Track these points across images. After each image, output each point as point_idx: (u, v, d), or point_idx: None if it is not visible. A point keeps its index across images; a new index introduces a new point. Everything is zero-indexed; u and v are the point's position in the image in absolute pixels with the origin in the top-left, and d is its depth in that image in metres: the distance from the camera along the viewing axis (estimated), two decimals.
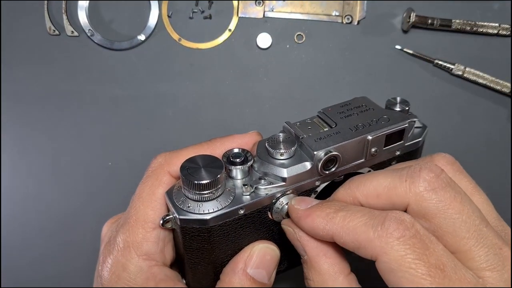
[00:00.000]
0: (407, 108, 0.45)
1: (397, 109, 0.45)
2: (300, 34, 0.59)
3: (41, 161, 0.60)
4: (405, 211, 0.34)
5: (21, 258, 0.60)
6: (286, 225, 0.39)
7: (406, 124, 0.43)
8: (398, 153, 0.45)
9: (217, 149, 0.42)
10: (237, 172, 0.40)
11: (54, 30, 0.58)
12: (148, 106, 0.60)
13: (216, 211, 0.38)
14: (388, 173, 0.36)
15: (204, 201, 0.38)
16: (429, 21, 0.57)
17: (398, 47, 0.59)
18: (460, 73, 0.59)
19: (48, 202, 0.60)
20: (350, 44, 0.60)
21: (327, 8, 0.58)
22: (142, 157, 0.59)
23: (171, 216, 0.39)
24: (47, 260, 0.59)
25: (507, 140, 0.63)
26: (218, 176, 0.37)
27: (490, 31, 0.59)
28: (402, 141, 0.44)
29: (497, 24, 0.59)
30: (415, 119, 0.46)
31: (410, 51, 0.59)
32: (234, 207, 0.38)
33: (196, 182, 0.36)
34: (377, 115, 0.43)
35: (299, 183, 0.40)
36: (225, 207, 0.38)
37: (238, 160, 0.39)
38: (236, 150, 0.40)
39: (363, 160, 0.43)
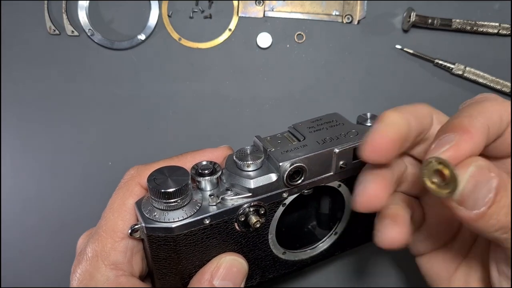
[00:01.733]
0: None
1: (368, 124, 0.46)
2: (300, 34, 0.59)
3: (41, 161, 0.60)
4: None
5: (21, 258, 0.60)
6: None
7: None
8: None
9: (188, 163, 0.42)
10: (205, 184, 0.40)
11: (54, 30, 0.58)
12: (148, 105, 0.60)
13: (181, 220, 0.38)
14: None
15: (170, 210, 0.38)
16: (429, 20, 0.57)
17: (398, 46, 0.59)
18: (460, 72, 0.59)
19: (48, 202, 0.60)
20: (350, 44, 0.60)
21: (327, 7, 0.58)
22: (142, 156, 0.59)
23: (139, 226, 0.39)
24: (47, 260, 0.59)
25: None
26: (183, 185, 0.37)
27: (491, 30, 0.59)
28: None
29: (497, 24, 0.59)
30: None
31: (411, 51, 0.59)
32: (199, 217, 0.39)
33: (161, 190, 0.37)
34: (346, 130, 0.44)
35: (265, 194, 0.41)
36: (190, 216, 0.38)
37: (206, 171, 0.40)
38: (204, 163, 0.41)
39: (332, 173, 0.43)
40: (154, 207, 0.39)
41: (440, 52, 0.60)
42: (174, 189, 0.37)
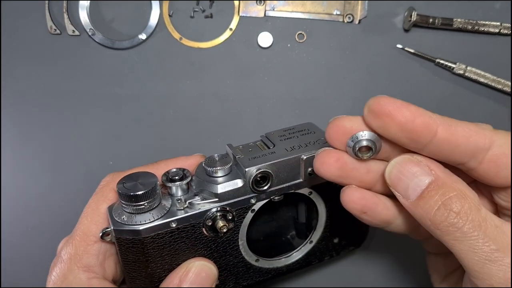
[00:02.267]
0: None
1: None
2: (301, 33, 0.59)
3: (42, 161, 0.60)
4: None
5: (21, 258, 0.60)
6: None
7: None
8: None
9: (161, 169, 0.43)
10: (175, 189, 0.41)
11: (55, 29, 0.58)
12: (149, 105, 0.60)
13: (147, 223, 0.39)
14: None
15: (138, 213, 0.39)
16: (430, 20, 0.57)
17: (399, 46, 0.59)
18: (461, 72, 0.59)
19: (48, 202, 0.60)
20: (351, 43, 0.60)
21: (328, 7, 0.58)
22: (143, 156, 0.59)
23: (109, 229, 0.40)
24: (47, 260, 0.58)
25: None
26: (150, 188, 0.39)
27: (492, 30, 0.59)
28: None
29: (498, 23, 0.59)
30: None
31: (412, 50, 0.59)
32: (166, 220, 0.40)
33: (129, 194, 0.38)
34: (316, 138, 0.45)
35: (232, 199, 0.42)
36: (157, 219, 0.40)
37: (176, 177, 0.41)
38: (174, 170, 0.42)
39: (300, 180, 0.44)
40: (124, 210, 0.40)
41: (441, 52, 0.60)
42: (141, 192, 0.38)
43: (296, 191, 0.45)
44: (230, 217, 0.42)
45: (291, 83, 0.60)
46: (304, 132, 0.46)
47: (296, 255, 0.50)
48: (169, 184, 0.41)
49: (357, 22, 0.58)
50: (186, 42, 0.59)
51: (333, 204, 0.48)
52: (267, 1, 0.58)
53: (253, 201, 0.43)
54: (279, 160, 0.42)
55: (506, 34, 0.59)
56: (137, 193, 0.38)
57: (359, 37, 0.59)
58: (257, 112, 0.60)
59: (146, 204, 0.39)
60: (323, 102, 0.61)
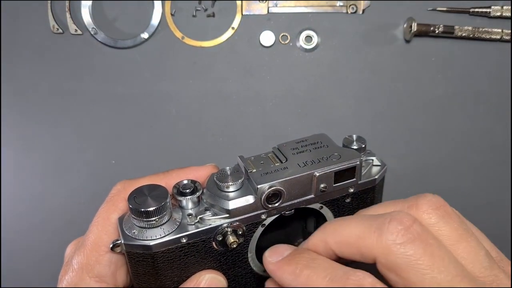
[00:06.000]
0: (363, 146, 0.46)
1: (354, 147, 0.46)
2: (303, 30, 0.59)
3: (44, 160, 0.59)
4: (375, 263, 0.34)
5: (21, 258, 0.60)
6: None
7: (357, 162, 0.44)
8: (351, 190, 0.45)
9: (173, 179, 0.43)
10: (186, 203, 0.41)
11: (57, 29, 0.58)
12: (152, 104, 0.59)
13: (158, 238, 0.39)
14: (360, 221, 0.35)
15: (148, 228, 0.39)
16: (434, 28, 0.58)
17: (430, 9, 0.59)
18: (498, 14, 0.58)
19: (50, 201, 0.59)
20: (354, 41, 0.60)
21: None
22: (145, 155, 0.59)
23: (120, 241, 0.40)
24: (47, 260, 0.58)
25: (508, 140, 0.63)
26: (162, 204, 0.39)
27: (493, 36, 0.59)
28: (354, 179, 0.45)
29: (500, 30, 0.59)
30: (372, 158, 0.47)
31: (444, 8, 0.59)
32: (177, 235, 0.40)
33: (140, 209, 0.38)
34: (329, 153, 0.44)
35: (243, 215, 0.42)
36: (168, 234, 0.40)
37: (187, 191, 0.41)
38: (185, 182, 0.42)
39: (312, 196, 0.44)
40: (134, 224, 0.40)
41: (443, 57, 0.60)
42: (153, 208, 0.38)
43: (307, 206, 0.44)
44: (240, 232, 0.42)
45: (294, 81, 0.60)
46: (317, 146, 0.46)
47: None
48: (180, 198, 0.41)
49: (360, 12, 0.58)
50: (188, 41, 0.59)
51: (343, 216, 0.48)
52: None
53: (263, 216, 0.43)
54: (292, 177, 0.42)
55: (507, 41, 0.59)
56: (148, 209, 0.38)
57: (363, 33, 0.59)
58: (259, 111, 0.60)
59: (157, 219, 0.39)
60: (325, 101, 0.60)
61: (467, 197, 0.63)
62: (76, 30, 0.58)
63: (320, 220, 0.48)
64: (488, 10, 0.58)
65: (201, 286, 0.42)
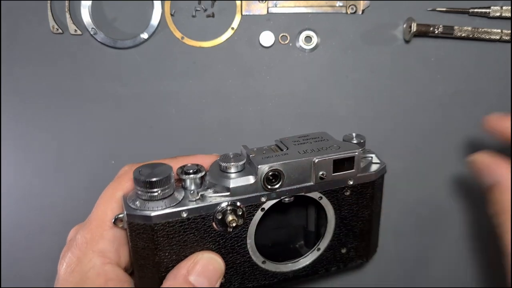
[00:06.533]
0: (362, 141, 0.48)
1: (353, 141, 0.48)
2: (303, 31, 0.59)
3: (44, 160, 0.60)
4: None
5: (21, 258, 0.60)
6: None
7: (356, 152, 0.46)
8: (351, 182, 0.47)
9: (178, 164, 0.44)
10: (189, 182, 0.43)
11: (57, 29, 0.58)
12: (151, 104, 0.59)
13: (159, 209, 0.41)
14: None
15: (151, 200, 0.41)
16: (433, 30, 0.58)
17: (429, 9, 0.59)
18: (498, 14, 0.59)
19: (50, 201, 0.60)
20: (354, 40, 0.60)
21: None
22: (145, 155, 0.59)
23: (123, 215, 0.41)
24: (48, 260, 0.58)
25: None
26: (165, 176, 0.40)
27: (493, 37, 0.59)
28: (353, 170, 0.46)
29: (499, 30, 0.59)
30: (371, 155, 0.50)
31: (443, 8, 0.59)
32: (177, 209, 0.41)
33: (144, 179, 0.40)
34: (329, 144, 0.46)
35: (243, 195, 0.43)
36: (169, 207, 0.41)
37: (190, 171, 0.43)
38: (190, 164, 0.44)
39: (311, 183, 0.45)
40: (138, 197, 0.41)
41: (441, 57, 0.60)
42: (156, 179, 0.40)
43: (306, 194, 0.46)
44: (240, 213, 0.43)
45: (294, 81, 0.60)
46: (318, 139, 0.47)
47: (303, 262, 0.50)
48: (184, 177, 0.43)
49: (360, 12, 0.58)
50: (188, 41, 0.59)
51: (342, 212, 0.49)
52: None
53: (263, 199, 0.44)
54: (291, 160, 0.43)
55: (506, 41, 0.59)
56: (152, 179, 0.40)
57: (362, 33, 0.60)
58: (259, 111, 0.60)
59: (159, 191, 0.40)
60: (325, 101, 0.61)
61: (467, 197, 0.63)
62: (75, 30, 0.58)
63: (321, 215, 0.49)
64: (487, 10, 0.59)
65: (198, 265, 0.42)
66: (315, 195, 0.46)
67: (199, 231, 0.43)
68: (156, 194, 0.40)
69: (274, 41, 0.59)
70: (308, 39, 0.59)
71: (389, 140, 0.61)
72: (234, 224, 0.42)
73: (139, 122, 0.60)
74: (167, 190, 0.41)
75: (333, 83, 0.60)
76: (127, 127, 0.60)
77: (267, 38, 0.59)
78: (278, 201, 0.45)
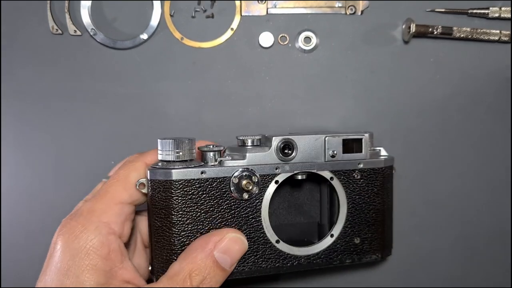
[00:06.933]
0: (370, 133, 0.52)
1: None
2: (302, 31, 0.59)
3: (43, 160, 0.60)
4: None
5: (21, 258, 0.60)
6: None
7: (363, 135, 0.50)
8: (360, 166, 0.50)
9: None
10: (210, 156, 0.46)
11: (57, 29, 0.58)
12: (151, 104, 0.60)
13: (180, 168, 0.44)
14: None
15: (173, 161, 0.45)
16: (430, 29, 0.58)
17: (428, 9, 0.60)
18: (497, 15, 0.59)
19: (49, 201, 0.60)
20: (353, 41, 0.60)
21: (330, 0, 0.58)
22: None
23: (145, 179, 0.45)
24: None
25: (507, 140, 0.63)
26: (188, 139, 0.45)
27: (492, 38, 0.59)
28: (362, 153, 0.50)
29: (498, 31, 0.59)
30: (380, 148, 0.53)
31: (442, 9, 0.59)
32: (196, 169, 0.45)
33: (168, 140, 0.44)
34: (338, 133, 0.50)
35: (258, 163, 0.47)
36: (189, 167, 0.45)
37: (211, 146, 0.47)
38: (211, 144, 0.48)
39: (322, 161, 0.49)
40: (161, 160, 0.45)
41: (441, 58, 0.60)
42: (180, 139, 0.44)
43: (317, 172, 0.49)
44: (255, 180, 0.46)
45: (293, 82, 0.60)
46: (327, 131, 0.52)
47: (316, 247, 0.50)
48: (205, 149, 0.46)
49: (359, 13, 0.59)
50: (188, 42, 0.59)
51: (353, 196, 0.51)
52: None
53: (277, 170, 0.47)
54: (303, 135, 0.48)
55: (505, 42, 0.60)
56: (176, 139, 0.44)
57: (361, 34, 0.60)
58: (258, 111, 0.60)
59: (181, 153, 0.44)
60: (325, 101, 0.61)
61: (467, 197, 0.63)
62: (75, 31, 0.58)
63: (334, 203, 0.52)
64: (486, 11, 0.59)
65: (225, 242, 0.44)
66: (326, 174, 0.49)
67: (215, 195, 0.45)
68: (179, 154, 0.44)
69: (274, 41, 0.59)
70: (307, 39, 0.59)
71: (388, 140, 0.61)
72: (249, 187, 0.46)
73: (138, 123, 0.60)
74: (188, 153, 0.45)
75: (332, 83, 0.60)
76: (127, 128, 0.60)
77: (266, 38, 0.59)
78: (292, 177, 0.48)
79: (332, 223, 0.52)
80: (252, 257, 0.48)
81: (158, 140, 0.45)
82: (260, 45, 0.59)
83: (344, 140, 0.49)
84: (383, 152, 0.53)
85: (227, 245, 0.44)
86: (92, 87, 0.59)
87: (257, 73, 0.60)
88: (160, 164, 0.45)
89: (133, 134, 0.60)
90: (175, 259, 0.44)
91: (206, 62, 0.60)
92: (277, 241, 0.49)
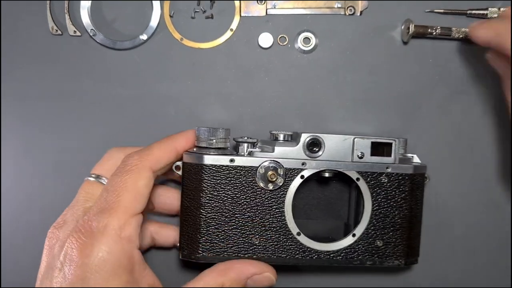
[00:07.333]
0: (404, 139, 0.53)
1: None
2: (302, 32, 0.59)
3: (43, 161, 0.60)
4: None
5: (21, 258, 0.60)
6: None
7: (394, 140, 0.51)
8: (388, 170, 0.51)
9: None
10: (243, 147, 0.50)
11: (56, 30, 0.58)
12: (150, 105, 0.60)
13: (211, 154, 0.49)
14: None
15: (206, 147, 0.49)
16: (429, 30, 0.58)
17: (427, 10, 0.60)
18: (495, 16, 0.59)
19: (49, 202, 0.60)
20: (353, 41, 0.60)
21: (329, 1, 0.59)
22: None
23: (180, 162, 0.50)
24: None
25: (507, 140, 0.63)
26: (223, 129, 0.50)
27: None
28: (390, 157, 0.51)
29: None
30: (413, 155, 0.54)
31: (441, 10, 0.59)
32: (226, 156, 0.49)
33: (202, 128, 0.50)
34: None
35: (285, 157, 0.49)
36: (219, 154, 0.49)
37: (245, 138, 0.50)
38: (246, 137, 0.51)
39: (349, 161, 0.50)
40: (196, 146, 0.50)
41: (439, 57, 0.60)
42: (214, 129, 0.49)
43: (344, 171, 0.50)
44: (280, 172, 0.49)
45: (292, 83, 0.60)
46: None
47: (337, 245, 0.51)
48: (239, 140, 0.50)
49: (358, 13, 0.59)
50: (187, 42, 0.59)
51: (379, 199, 0.51)
52: (267, 0, 0.58)
53: (303, 166, 0.49)
54: (332, 134, 0.50)
55: None
56: (211, 127, 0.50)
57: (361, 34, 0.60)
58: (258, 112, 0.60)
59: (214, 140, 0.49)
60: (324, 101, 0.61)
61: (467, 197, 0.63)
62: (75, 31, 0.58)
63: (360, 203, 0.53)
64: (485, 12, 0.59)
65: (259, 277, 0.49)
66: (353, 174, 0.50)
67: (242, 183, 0.49)
68: (212, 141, 0.49)
69: (273, 42, 0.59)
70: (306, 40, 0.59)
71: None
72: (274, 179, 0.48)
73: (138, 123, 0.60)
74: (222, 142, 0.49)
75: (331, 84, 0.61)
76: (126, 128, 0.60)
77: (265, 39, 0.59)
78: (320, 175, 0.50)
79: (357, 224, 0.52)
80: (273, 245, 0.50)
81: (196, 128, 0.50)
82: (259, 45, 0.60)
83: (373, 143, 0.50)
84: (416, 159, 0.54)
85: (260, 280, 0.49)
86: (91, 87, 0.59)
87: (256, 73, 0.60)
88: (195, 149, 0.50)
89: (132, 134, 0.60)
90: (199, 238, 0.49)
91: (205, 62, 0.60)
92: (298, 234, 0.50)
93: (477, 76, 0.61)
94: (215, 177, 0.48)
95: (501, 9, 0.59)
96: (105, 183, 0.50)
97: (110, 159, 0.52)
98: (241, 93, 0.60)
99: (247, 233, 0.49)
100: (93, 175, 0.52)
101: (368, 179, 0.50)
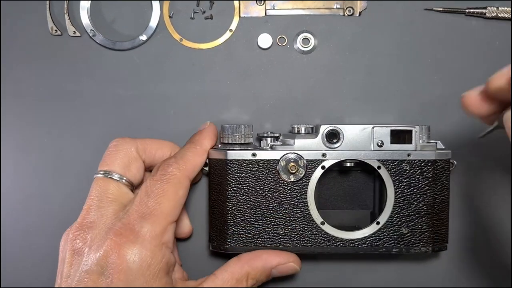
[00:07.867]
0: (426, 126, 0.53)
1: None
2: (301, 33, 0.59)
3: (42, 161, 0.60)
4: None
5: (21, 258, 0.60)
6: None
7: (414, 127, 0.51)
8: (410, 157, 0.51)
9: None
10: (266, 141, 0.52)
11: (56, 30, 0.58)
12: (150, 105, 0.60)
13: (235, 150, 0.51)
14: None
15: (230, 143, 0.52)
16: None
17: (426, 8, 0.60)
18: (494, 14, 0.59)
19: (49, 202, 0.60)
20: (351, 42, 0.60)
21: (328, 1, 0.59)
22: None
23: (207, 161, 0.52)
24: (47, 260, 0.58)
25: (507, 140, 0.63)
26: (246, 126, 0.53)
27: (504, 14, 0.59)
28: (411, 144, 0.51)
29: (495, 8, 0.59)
30: (437, 141, 0.54)
31: (440, 8, 0.59)
32: (249, 151, 0.51)
33: (226, 125, 0.53)
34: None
35: (306, 150, 0.51)
36: (242, 150, 0.51)
37: (268, 133, 0.53)
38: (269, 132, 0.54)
39: (370, 150, 0.51)
40: (221, 143, 0.53)
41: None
42: (237, 125, 0.52)
43: (364, 160, 0.51)
44: (301, 164, 0.50)
45: (291, 83, 0.60)
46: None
47: (361, 233, 0.52)
48: (262, 135, 0.53)
49: (357, 14, 0.59)
50: (187, 43, 0.59)
51: (401, 186, 0.52)
52: (267, 0, 0.59)
53: (324, 157, 0.51)
54: (351, 124, 0.51)
55: (506, 18, 0.59)
56: (236, 124, 0.52)
57: (359, 34, 0.60)
58: (257, 112, 0.61)
59: (238, 136, 0.52)
60: (324, 102, 0.61)
61: (467, 197, 0.63)
62: (74, 32, 0.58)
63: (383, 192, 0.53)
64: (484, 11, 0.59)
65: (284, 267, 0.51)
66: (373, 163, 0.51)
67: (264, 176, 0.51)
68: (235, 137, 0.51)
69: (272, 43, 0.59)
70: (305, 41, 0.59)
71: None
72: (294, 170, 0.50)
73: (137, 124, 0.60)
74: (245, 137, 0.52)
75: (330, 84, 0.61)
76: (126, 129, 0.60)
77: (265, 40, 0.59)
78: (342, 165, 0.52)
79: (381, 212, 0.53)
80: (297, 234, 0.51)
81: (221, 126, 0.53)
82: (258, 46, 0.60)
83: (392, 131, 0.51)
84: (440, 145, 0.54)
85: (285, 270, 0.51)
86: (91, 87, 0.60)
87: (255, 74, 0.60)
88: (220, 145, 0.53)
89: (132, 134, 0.60)
90: (227, 230, 0.51)
91: (205, 63, 0.60)
92: (322, 223, 0.51)
93: (476, 76, 0.61)
94: (239, 171, 0.51)
95: (500, 8, 0.59)
96: (117, 178, 0.50)
97: (118, 152, 0.51)
98: (240, 93, 0.60)
99: (272, 224, 0.51)
100: (101, 172, 0.51)
101: (390, 166, 0.51)
